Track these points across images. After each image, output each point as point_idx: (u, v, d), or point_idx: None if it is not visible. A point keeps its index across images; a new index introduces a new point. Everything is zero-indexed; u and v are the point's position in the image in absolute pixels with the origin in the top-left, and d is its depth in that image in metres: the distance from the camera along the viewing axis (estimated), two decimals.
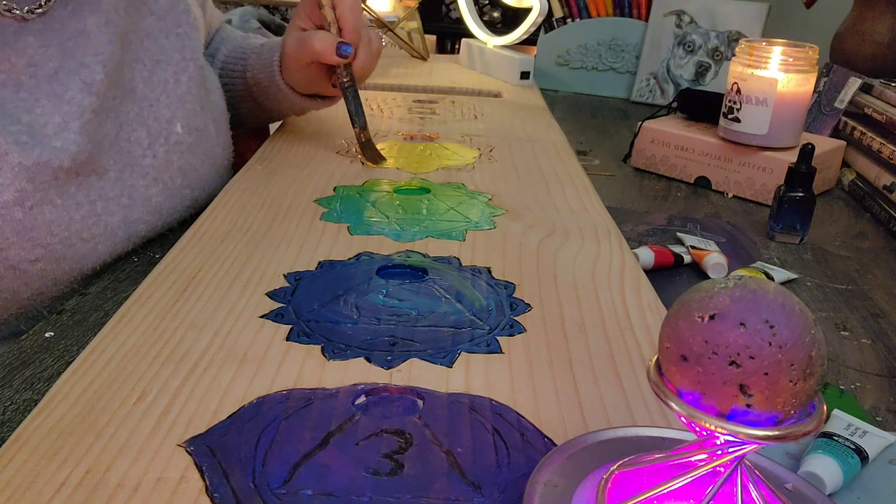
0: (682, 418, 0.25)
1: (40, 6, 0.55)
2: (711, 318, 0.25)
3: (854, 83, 0.99)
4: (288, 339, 0.42)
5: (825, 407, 0.26)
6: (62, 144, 0.54)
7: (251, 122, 0.87)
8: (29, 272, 0.54)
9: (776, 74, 0.80)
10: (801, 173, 0.72)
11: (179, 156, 0.64)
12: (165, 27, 0.65)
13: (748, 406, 0.24)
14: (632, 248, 0.59)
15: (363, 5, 1.30)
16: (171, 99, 0.64)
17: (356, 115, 0.74)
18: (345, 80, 0.73)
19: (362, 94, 1.03)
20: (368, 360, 0.40)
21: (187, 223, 0.67)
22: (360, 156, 0.75)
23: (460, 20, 1.25)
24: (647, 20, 1.30)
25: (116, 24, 0.60)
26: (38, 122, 0.54)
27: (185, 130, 0.65)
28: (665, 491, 0.27)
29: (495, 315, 0.45)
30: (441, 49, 1.80)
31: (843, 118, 0.98)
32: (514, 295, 0.48)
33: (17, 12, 0.54)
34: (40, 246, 0.54)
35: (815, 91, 0.96)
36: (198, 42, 0.69)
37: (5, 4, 0.53)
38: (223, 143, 0.72)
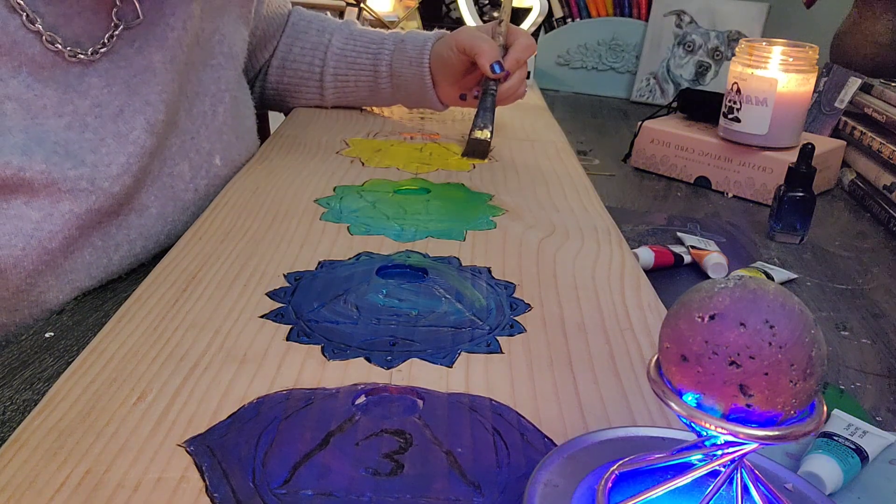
0: (682, 418, 0.25)
1: (104, 45, 0.53)
2: (711, 318, 0.25)
3: (854, 83, 0.99)
4: (288, 339, 0.42)
5: (825, 407, 0.26)
6: (120, 189, 0.53)
7: (363, 104, 0.93)
8: None
9: (776, 74, 0.80)
10: (801, 173, 0.72)
11: (216, 189, 0.64)
12: (202, 58, 0.64)
13: (748, 406, 0.24)
14: (632, 248, 0.59)
15: (363, 5, 1.30)
16: (210, 131, 0.64)
17: (486, 118, 0.78)
18: (492, 88, 0.79)
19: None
20: (368, 360, 0.40)
21: None
22: (467, 145, 0.78)
23: (460, 20, 1.25)
24: (647, 20, 1.30)
25: (180, 62, 0.58)
26: (102, 162, 0.52)
27: (223, 163, 0.65)
28: (665, 491, 0.27)
29: (495, 315, 0.45)
30: None
31: (843, 118, 0.98)
32: (514, 295, 0.48)
33: (83, 56, 0.52)
34: (78, 289, 0.53)
35: (815, 91, 0.96)
36: (232, 72, 0.68)
37: (70, 50, 0.52)
38: None
